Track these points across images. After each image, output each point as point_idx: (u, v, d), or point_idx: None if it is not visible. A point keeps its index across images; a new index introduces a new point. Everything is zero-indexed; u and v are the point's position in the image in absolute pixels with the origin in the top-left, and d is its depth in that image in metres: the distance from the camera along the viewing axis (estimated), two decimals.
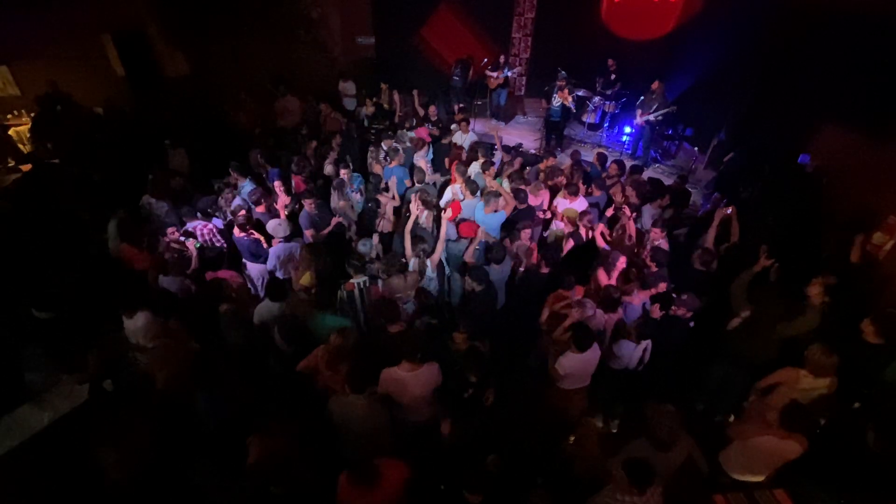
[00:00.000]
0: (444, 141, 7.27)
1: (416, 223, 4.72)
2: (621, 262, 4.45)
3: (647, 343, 3.89)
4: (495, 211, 5.06)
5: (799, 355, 3.49)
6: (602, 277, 4.48)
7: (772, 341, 3.90)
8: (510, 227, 5.09)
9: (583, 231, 5.03)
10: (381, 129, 7.73)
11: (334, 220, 5.25)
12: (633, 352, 3.88)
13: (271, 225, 4.87)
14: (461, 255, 4.91)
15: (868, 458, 3.08)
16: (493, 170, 5.80)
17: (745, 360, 3.98)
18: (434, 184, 6.47)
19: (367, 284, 4.21)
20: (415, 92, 8.41)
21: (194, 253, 4.81)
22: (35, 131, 7.74)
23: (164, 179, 5.92)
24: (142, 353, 3.84)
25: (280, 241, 4.83)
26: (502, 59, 9.55)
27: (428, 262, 4.47)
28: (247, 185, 5.80)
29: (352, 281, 4.16)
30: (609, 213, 5.46)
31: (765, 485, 3.21)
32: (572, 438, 3.75)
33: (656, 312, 3.99)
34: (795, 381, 3.42)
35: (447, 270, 4.96)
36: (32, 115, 7.92)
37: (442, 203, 5.63)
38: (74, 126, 7.62)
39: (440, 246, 4.57)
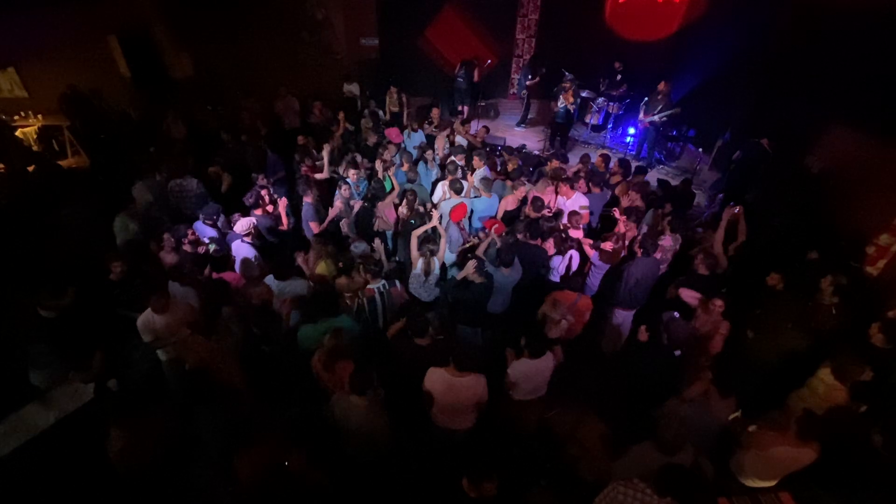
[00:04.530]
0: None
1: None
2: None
3: (571, 252, 4.68)
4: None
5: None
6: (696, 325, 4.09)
7: (792, 341, 3.88)
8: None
9: (572, 233, 4.97)
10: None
11: (332, 213, 5.30)
12: (561, 263, 4.68)
13: (241, 223, 4.87)
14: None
15: (874, 462, 3.06)
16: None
17: (768, 365, 3.93)
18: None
19: (387, 288, 4.16)
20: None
21: (210, 250, 4.86)
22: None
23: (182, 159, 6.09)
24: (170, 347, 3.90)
25: (243, 240, 4.82)
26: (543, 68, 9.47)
27: (435, 260, 4.43)
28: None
29: (371, 286, 4.09)
30: (616, 213, 5.41)
31: (770, 488, 3.20)
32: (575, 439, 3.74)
33: (643, 335, 3.87)
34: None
35: (450, 272, 4.96)
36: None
37: (435, 199, 5.64)
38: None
39: (443, 244, 4.56)
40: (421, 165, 6.38)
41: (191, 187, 5.73)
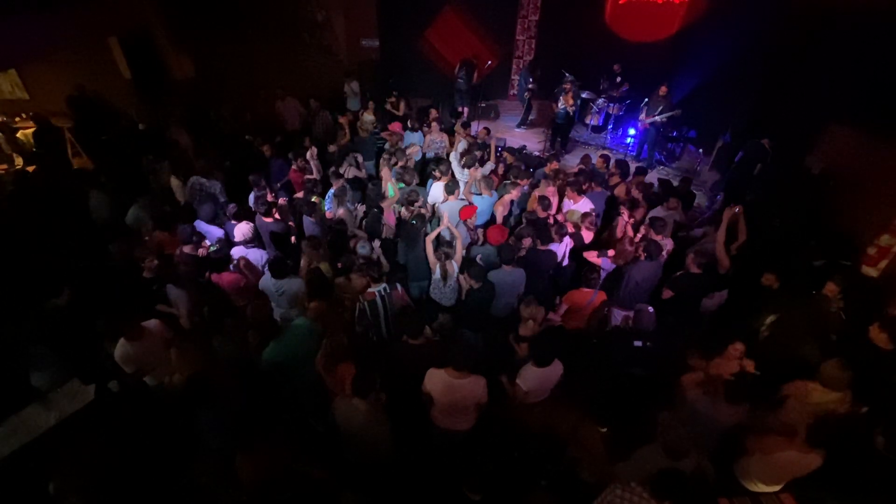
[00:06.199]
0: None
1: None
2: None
3: (566, 239, 4.80)
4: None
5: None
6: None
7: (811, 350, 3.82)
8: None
9: (585, 233, 4.99)
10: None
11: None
12: (559, 249, 4.77)
13: (240, 229, 4.80)
14: (491, 257, 4.74)
15: (876, 462, 3.05)
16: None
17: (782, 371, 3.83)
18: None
19: (388, 291, 4.08)
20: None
21: (210, 252, 4.80)
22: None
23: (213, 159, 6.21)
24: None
25: (246, 246, 4.77)
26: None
27: (453, 263, 4.37)
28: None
29: (371, 290, 4.00)
30: (624, 212, 5.39)
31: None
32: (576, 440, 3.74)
33: (621, 321, 4.27)
34: (805, 395, 3.37)
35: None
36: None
37: (430, 200, 5.59)
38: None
39: (459, 245, 4.50)
40: (429, 181, 6.29)
41: (213, 190, 5.79)
